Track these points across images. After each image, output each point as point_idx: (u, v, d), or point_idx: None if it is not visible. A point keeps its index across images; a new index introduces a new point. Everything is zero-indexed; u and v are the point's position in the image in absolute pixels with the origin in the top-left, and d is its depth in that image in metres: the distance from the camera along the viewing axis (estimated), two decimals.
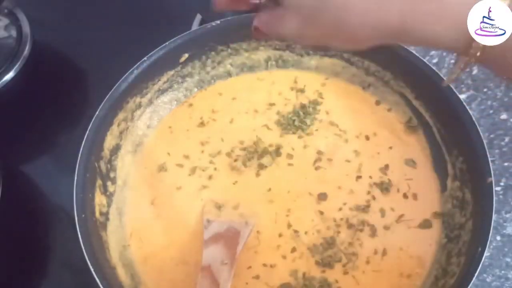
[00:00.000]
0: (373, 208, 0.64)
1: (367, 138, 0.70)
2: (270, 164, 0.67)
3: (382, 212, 0.63)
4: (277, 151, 0.68)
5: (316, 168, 0.67)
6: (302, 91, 0.74)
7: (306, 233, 0.62)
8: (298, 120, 0.71)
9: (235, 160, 0.68)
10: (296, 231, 0.62)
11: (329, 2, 0.39)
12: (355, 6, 0.38)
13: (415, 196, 0.65)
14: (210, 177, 0.67)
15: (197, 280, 0.55)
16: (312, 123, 0.71)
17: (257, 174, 0.67)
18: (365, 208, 0.64)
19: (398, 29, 0.38)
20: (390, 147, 0.69)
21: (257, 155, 0.68)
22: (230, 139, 0.70)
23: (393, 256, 0.60)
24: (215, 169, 0.68)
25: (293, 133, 0.70)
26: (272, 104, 0.73)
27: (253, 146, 0.69)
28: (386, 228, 0.62)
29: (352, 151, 0.68)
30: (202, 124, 0.72)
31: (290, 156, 0.68)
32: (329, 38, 0.42)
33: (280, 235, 0.62)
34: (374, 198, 0.64)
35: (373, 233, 0.62)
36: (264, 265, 0.60)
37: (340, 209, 0.64)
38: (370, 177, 0.66)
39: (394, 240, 0.61)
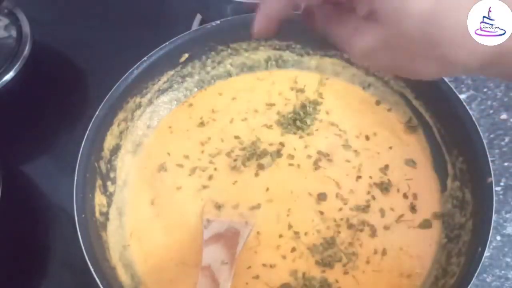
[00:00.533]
0: (373, 208, 0.64)
1: (367, 138, 0.70)
2: (269, 165, 0.67)
3: (382, 212, 0.63)
4: (278, 152, 0.68)
5: (316, 168, 0.67)
6: (302, 91, 0.74)
7: (306, 233, 0.62)
8: (298, 120, 0.71)
9: (235, 160, 0.68)
10: (296, 232, 0.62)
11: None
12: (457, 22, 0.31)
13: (415, 196, 0.65)
14: (210, 177, 0.67)
15: (197, 280, 0.55)
16: (312, 123, 0.71)
17: (256, 174, 0.67)
18: (365, 208, 0.63)
19: (504, 51, 0.32)
20: (390, 147, 0.69)
21: (256, 155, 0.68)
22: (229, 139, 0.70)
23: (393, 256, 0.60)
24: (215, 169, 0.68)
25: (294, 133, 0.70)
26: (272, 104, 0.73)
27: (252, 146, 0.69)
28: (386, 228, 0.62)
29: (352, 151, 0.68)
30: (202, 124, 0.72)
31: (290, 156, 0.68)
32: (413, 62, 0.34)
33: (280, 236, 0.62)
34: (374, 198, 0.64)
35: (373, 233, 0.62)
36: (264, 265, 0.60)
37: (340, 209, 0.64)
38: (370, 177, 0.66)
39: (394, 240, 0.61)
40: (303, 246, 0.61)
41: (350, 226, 0.62)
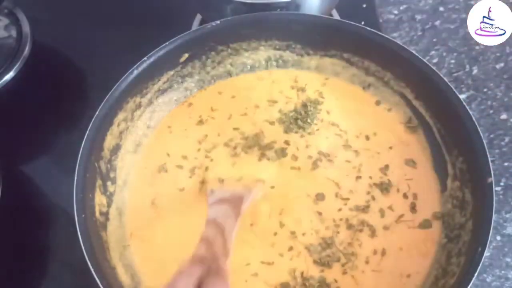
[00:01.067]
0: (373, 208, 0.64)
1: (367, 138, 0.70)
2: (275, 160, 0.67)
3: (382, 212, 0.63)
4: (283, 151, 0.68)
5: (316, 168, 0.67)
6: (303, 90, 0.74)
7: (304, 234, 0.62)
8: (300, 119, 0.71)
9: (234, 148, 0.68)
10: (292, 231, 0.62)
11: None
12: None
13: (415, 196, 0.64)
14: (206, 169, 0.67)
15: (202, 231, 0.55)
16: (313, 122, 0.71)
17: (259, 159, 0.67)
18: (364, 208, 0.63)
19: None
20: (390, 147, 0.69)
21: (258, 145, 0.68)
22: (228, 132, 0.70)
23: (393, 256, 0.60)
24: (211, 160, 0.68)
25: (295, 132, 0.70)
26: (274, 101, 0.73)
27: (255, 138, 0.69)
28: (386, 228, 0.62)
29: (352, 151, 0.68)
30: (200, 122, 0.72)
31: (292, 156, 0.68)
32: None
33: (275, 233, 0.62)
34: (374, 198, 0.64)
35: (373, 233, 0.62)
36: (262, 262, 0.60)
37: (340, 209, 0.64)
38: (370, 177, 0.66)
39: (394, 240, 0.61)
40: (300, 245, 0.61)
41: (349, 226, 0.62)
